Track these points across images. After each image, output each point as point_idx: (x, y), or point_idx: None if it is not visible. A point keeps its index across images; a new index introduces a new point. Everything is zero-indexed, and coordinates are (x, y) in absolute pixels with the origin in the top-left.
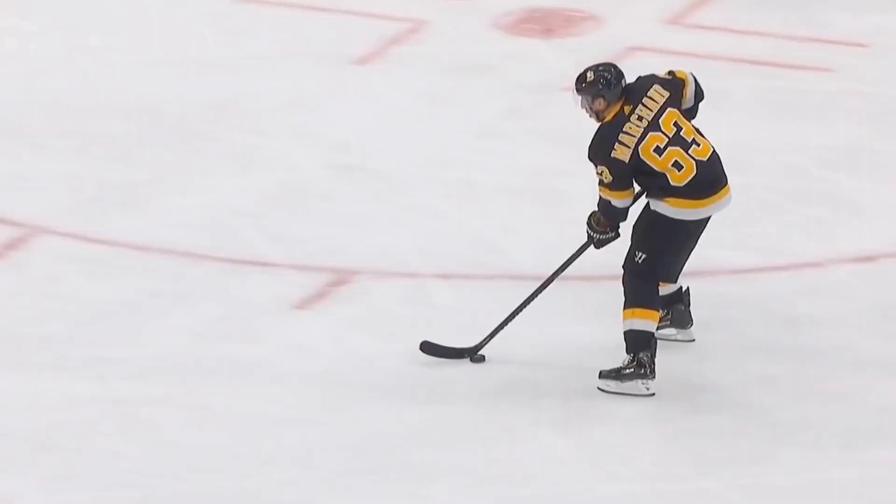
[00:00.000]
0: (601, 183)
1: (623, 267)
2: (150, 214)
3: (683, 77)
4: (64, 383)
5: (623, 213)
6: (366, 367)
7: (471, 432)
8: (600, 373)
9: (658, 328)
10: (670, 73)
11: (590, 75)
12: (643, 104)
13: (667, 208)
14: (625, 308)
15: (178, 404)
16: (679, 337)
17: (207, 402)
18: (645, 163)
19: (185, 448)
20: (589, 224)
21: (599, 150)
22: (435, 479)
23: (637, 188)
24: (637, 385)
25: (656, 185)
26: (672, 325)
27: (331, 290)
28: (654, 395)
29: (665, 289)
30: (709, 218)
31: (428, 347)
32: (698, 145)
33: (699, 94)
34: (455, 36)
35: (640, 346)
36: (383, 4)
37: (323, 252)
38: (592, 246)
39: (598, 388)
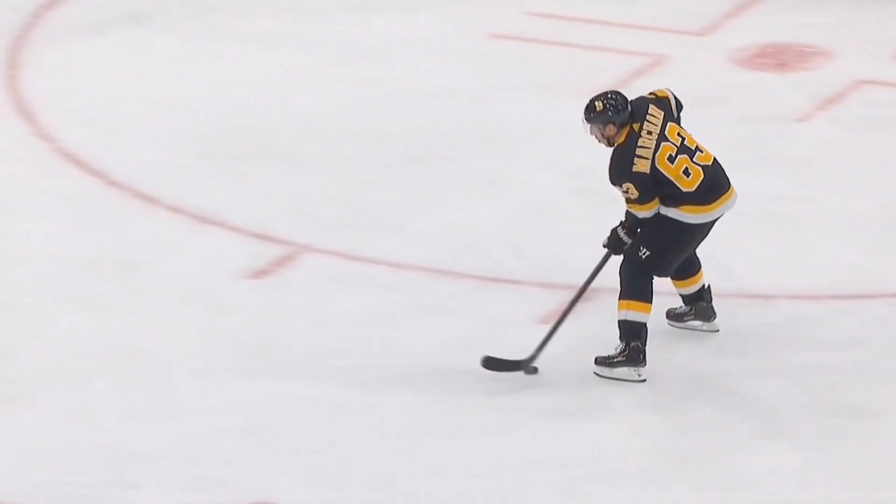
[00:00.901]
0: (629, 200)
1: (624, 258)
2: (406, 234)
3: (665, 95)
4: (325, 390)
5: (649, 222)
6: (606, 380)
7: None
8: (596, 359)
9: (684, 320)
10: (652, 94)
11: (598, 104)
12: (648, 120)
13: (679, 214)
14: (620, 298)
15: (429, 412)
16: (705, 328)
17: (454, 412)
18: (660, 171)
19: (435, 452)
20: (622, 230)
21: (621, 169)
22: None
23: None
24: (629, 372)
25: (668, 194)
26: (697, 318)
27: (572, 307)
28: (645, 380)
29: (688, 287)
30: (715, 221)
31: (488, 363)
32: (701, 152)
33: (679, 106)
34: (693, 70)
35: (633, 335)
36: (626, 41)
37: (564, 270)
38: (615, 254)
39: (594, 373)
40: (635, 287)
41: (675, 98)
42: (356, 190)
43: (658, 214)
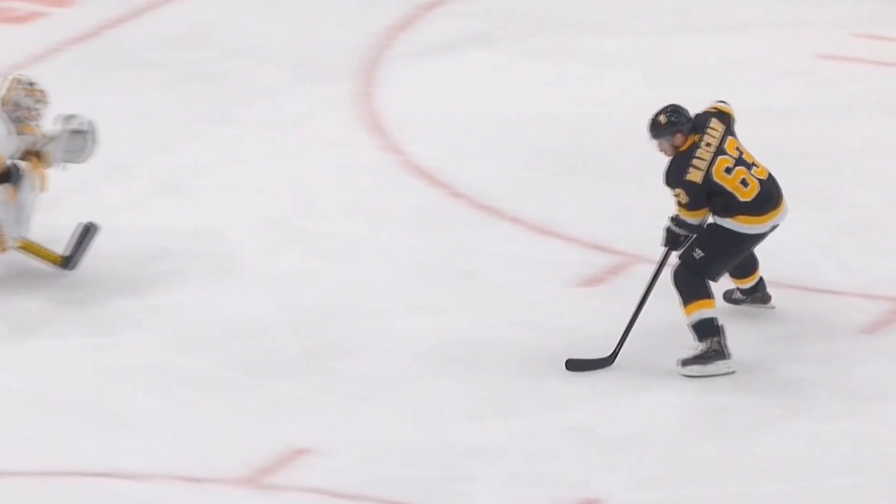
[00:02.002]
0: (679, 204)
1: (679, 258)
2: None
3: (727, 110)
4: (658, 395)
5: (698, 228)
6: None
7: None
8: (683, 361)
9: (739, 304)
10: (714, 108)
11: (663, 118)
12: (708, 133)
13: (734, 224)
14: (684, 305)
15: (758, 415)
16: (761, 307)
17: (777, 416)
18: (717, 183)
19: (766, 454)
20: (672, 230)
21: (676, 175)
22: None
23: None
24: (719, 366)
25: (724, 204)
26: (753, 304)
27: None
28: (734, 372)
29: (746, 284)
30: (767, 233)
31: (573, 364)
32: (757, 167)
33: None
34: None
35: (710, 332)
36: None
37: (885, 282)
38: (672, 250)
39: (684, 375)
40: (694, 288)
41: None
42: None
43: (713, 223)
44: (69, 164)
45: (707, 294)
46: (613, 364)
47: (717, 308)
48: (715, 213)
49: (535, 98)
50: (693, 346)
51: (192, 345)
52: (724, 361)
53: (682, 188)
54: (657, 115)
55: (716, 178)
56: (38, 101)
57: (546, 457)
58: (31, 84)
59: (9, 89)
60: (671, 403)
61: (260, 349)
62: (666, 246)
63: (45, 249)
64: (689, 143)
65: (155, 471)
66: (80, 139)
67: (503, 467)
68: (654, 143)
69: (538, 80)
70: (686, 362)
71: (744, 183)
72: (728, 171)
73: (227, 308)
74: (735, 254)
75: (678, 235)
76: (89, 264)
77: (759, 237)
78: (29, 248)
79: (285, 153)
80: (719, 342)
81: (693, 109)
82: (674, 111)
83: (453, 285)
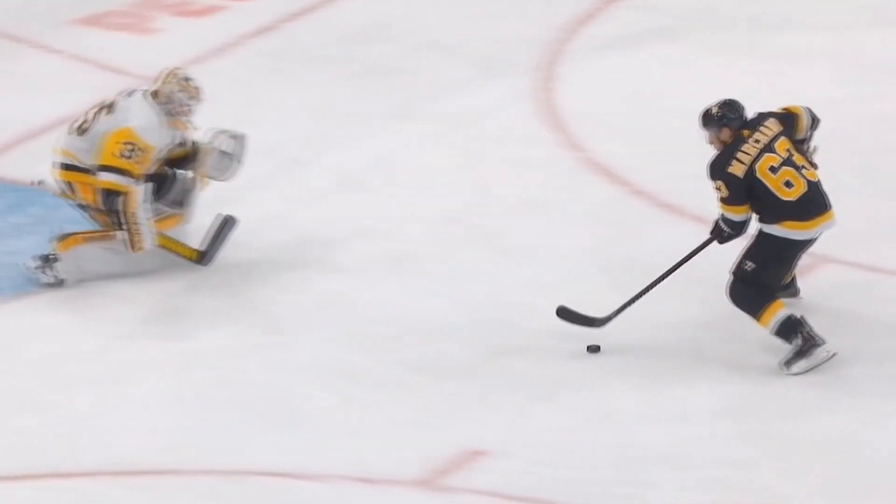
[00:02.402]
0: (719, 198)
1: (731, 272)
2: None
3: (797, 111)
4: (842, 398)
5: (740, 226)
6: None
7: None
8: (785, 363)
9: None
10: (785, 108)
11: (715, 110)
12: (759, 131)
13: (781, 230)
14: (755, 318)
15: None
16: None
17: None
18: (760, 181)
19: None
20: (718, 226)
21: (718, 167)
22: None
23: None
24: (819, 354)
25: (769, 207)
26: (811, 346)
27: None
28: (836, 354)
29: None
30: (815, 239)
31: (563, 313)
32: (807, 169)
33: (814, 125)
34: None
35: (794, 329)
36: None
37: None
38: (716, 242)
39: (792, 374)
40: (755, 301)
41: (812, 117)
42: (886, 203)
43: (761, 232)
44: (212, 180)
45: (769, 298)
46: (604, 328)
47: (785, 303)
48: (761, 220)
49: (719, 94)
50: (787, 347)
51: (367, 343)
52: (820, 348)
53: (723, 181)
54: (711, 105)
55: (758, 175)
56: (191, 98)
57: (726, 461)
58: (186, 79)
59: (164, 82)
60: (857, 408)
61: (435, 348)
62: (712, 234)
63: (182, 245)
64: (734, 138)
65: (330, 471)
66: (226, 159)
67: (683, 472)
68: (704, 133)
69: (722, 76)
70: (789, 363)
71: (788, 184)
72: (773, 169)
73: (402, 306)
74: (786, 260)
75: (723, 231)
76: (263, 259)
77: (808, 243)
78: (166, 244)
79: (464, 149)
80: (808, 334)
81: (883, 108)
82: (727, 105)
83: (634, 284)
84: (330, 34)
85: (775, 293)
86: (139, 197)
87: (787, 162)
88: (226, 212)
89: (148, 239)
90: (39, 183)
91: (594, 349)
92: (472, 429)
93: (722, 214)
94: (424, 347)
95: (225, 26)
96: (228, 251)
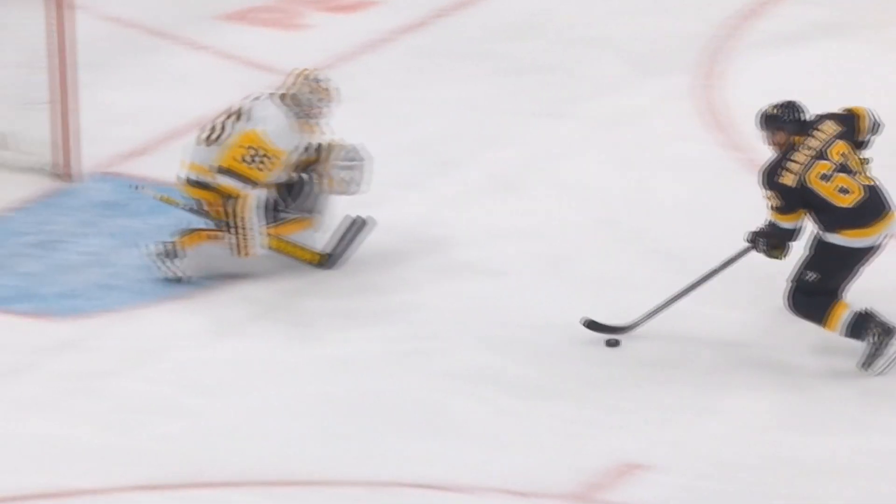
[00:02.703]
0: (770, 207)
1: (791, 281)
2: None
3: (860, 112)
4: None
5: (790, 234)
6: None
7: None
8: (863, 365)
9: None
10: (847, 109)
11: (770, 111)
12: (813, 136)
13: (841, 239)
14: (822, 326)
15: None
16: None
17: None
18: (812, 191)
19: None
20: (763, 235)
21: (768, 176)
22: None
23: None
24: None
25: (826, 215)
26: (886, 337)
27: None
28: None
29: None
30: (878, 246)
31: (590, 324)
32: (863, 174)
33: (875, 128)
34: None
35: (864, 327)
36: None
37: None
38: (755, 251)
39: (875, 374)
40: (819, 307)
41: (874, 119)
42: None
43: (820, 241)
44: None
45: (832, 301)
46: (628, 333)
47: (848, 308)
48: (820, 228)
49: (889, 92)
50: (860, 346)
51: (517, 350)
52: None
53: (775, 191)
54: (769, 105)
55: (810, 184)
56: (321, 99)
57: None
58: (317, 80)
59: (294, 84)
60: None
61: (588, 356)
62: (749, 242)
63: (302, 248)
64: (787, 144)
65: (478, 483)
66: (346, 182)
67: (853, 486)
68: (761, 134)
69: (893, 73)
70: (867, 364)
71: (843, 190)
72: (825, 177)
73: (554, 312)
74: (848, 268)
75: (760, 244)
76: (409, 261)
77: (871, 250)
78: (284, 248)
79: (621, 149)
80: (878, 326)
81: None
82: (785, 107)
83: None
84: (482, 30)
85: (837, 295)
86: (253, 202)
87: (841, 168)
88: (372, 213)
89: (256, 245)
90: (138, 188)
91: (613, 343)
92: (628, 440)
93: (771, 222)
94: (579, 355)
95: (374, 22)
96: (372, 252)
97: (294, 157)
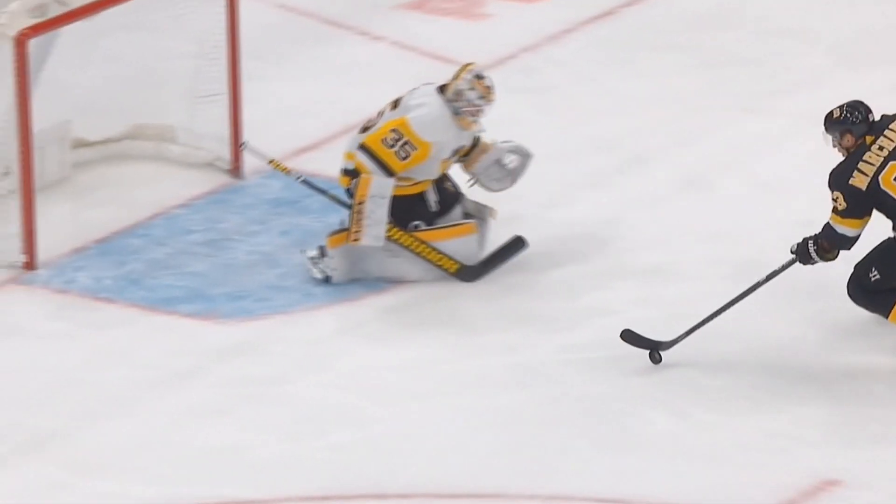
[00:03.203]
0: (835, 210)
1: (854, 275)
2: None
3: None
4: None
5: (848, 242)
6: None
7: None
8: None
9: None
10: None
11: (837, 112)
12: (885, 136)
13: None
14: (887, 318)
15: None
16: None
17: None
18: (887, 193)
19: None
20: (812, 245)
21: (839, 177)
22: None
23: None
24: None
25: None
26: None
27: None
28: None
29: None
30: None
31: (628, 336)
32: None
33: None
34: None
35: None
36: None
37: None
38: (800, 262)
39: None
40: (883, 303)
41: None
42: None
43: (893, 244)
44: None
45: (894, 298)
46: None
47: None
48: (893, 228)
49: None
50: None
51: (709, 359)
52: None
53: (843, 192)
54: (836, 107)
55: (883, 186)
56: (480, 97)
57: None
58: (479, 77)
59: (456, 77)
60: None
61: (783, 366)
62: (795, 255)
63: (445, 257)
64: (857, 145)
65: (669, 499)
66: (503, 173)
67: None
68: (826, 137)
69: None
70: None
71: None
72: None
73: (748, 319)
74: None
75: (809, 255)
76: (595, 263)
77: None
78: (425, 252)
79: (824, 148)
80: None
81: None
82: (851, 108)
83: None
84: (672, 20)
85: None
86: (373, 186)
87: None
88: (558, 213)
89: (369, 237)
90: (242, 145)
91: (657, 360)
92: (825, 456)
93: (830, 225)
94: (771, 365)
95: (561, 11)
96: (554, 254)
97: (444, 154)
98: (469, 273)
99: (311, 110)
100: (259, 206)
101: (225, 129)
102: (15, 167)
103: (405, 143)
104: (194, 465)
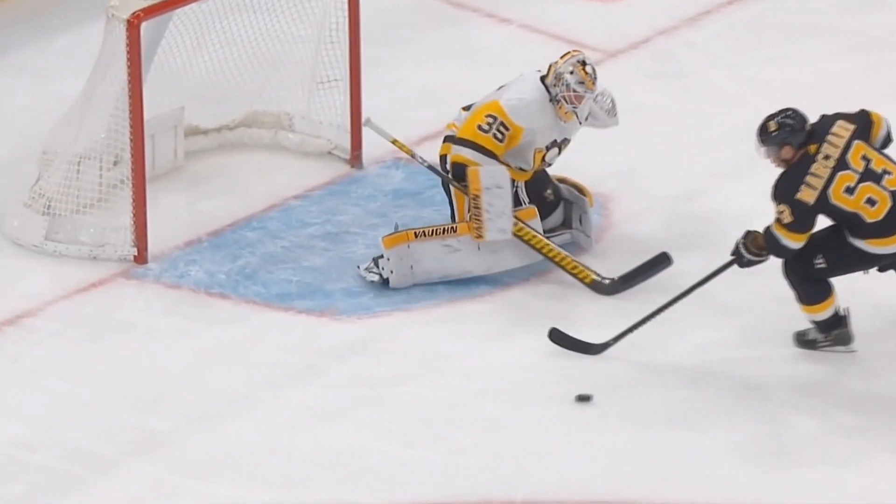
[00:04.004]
0: (779, 222)
1: (799, 255)
2: None
3: (876, 117)
4: None
5: (790, 253)
6: None
7: None
8: (799, 337)
9: (817, 347)
10: (862, 111)
11: (772, 125)
12: (828, 142)
13: (866, 245)
14: (802, 304)
15: None
16: (843, 350)
17: None
18: (837, 207)
19: None
20: (744, 245)
21: (784, 190)
22: None
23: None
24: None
25: (852, 225)
26: (836, 343)
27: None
28: (856, 351)
29: (819, 314)
30: None
31: (556, 336)
32: (889, 174)
33: (887, 140)
34: None
35: (830, 327)
36: None
37: None
38: (737, 265)
39: (797, 345)
40: (811, 294)
41: (888, 130)
42: None
43: (846, 239)
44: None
45: (825, 296)
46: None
47: (833, 304)
48: (848, 231)
49: None
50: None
51: (845, 361)
52: (844, 348)
53: (789, 206)
54: (768, 118)
55: (834, 200)
56: (580, 82)
57: None
58: (582, 62)
59: (560, 61)
60: None
61: None
62: (733, 257)
63: (580, 266)
64: (800, 155)
65: None
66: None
67: None
68: (760, 150)
69: None
70: (801, 339)
71: (870, 202)
72: (849, 190)
73: (882, 318)
74: (859, 270)
75: (742, 258)
76: (723, 259)
77: (889, 257)
78: (564, 261)
79: None
80: (841, 333)
81: None
82: (787, 118)
83: None
84: (818, 1)
85: (829, 292)
86: (485, 178)
87: (866, 175)
88: (691, 204)
89: (493, 231)
90: (365, 122)
91: (585, 398)
92: None
93: (774, 235)
94: None
95: None
96: (684, 249)
97: (538, 143)
98: (606, 288)
99: (433, 97)
100: (379, 197)
101: (344, 117)
102: (126, 156)
103: (500, 124)
104: (311, 469)
